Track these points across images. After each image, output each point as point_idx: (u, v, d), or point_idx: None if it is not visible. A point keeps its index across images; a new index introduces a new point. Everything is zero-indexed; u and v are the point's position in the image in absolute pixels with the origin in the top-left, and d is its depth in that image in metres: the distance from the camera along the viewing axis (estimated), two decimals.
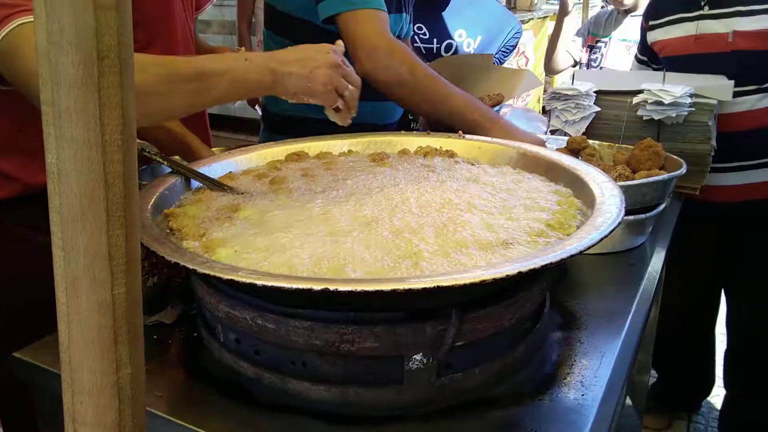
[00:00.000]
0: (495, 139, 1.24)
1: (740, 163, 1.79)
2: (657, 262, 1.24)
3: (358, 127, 1.48)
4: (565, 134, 1.60)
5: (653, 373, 2.32)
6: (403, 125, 1.85)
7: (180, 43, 1.69)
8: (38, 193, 1.18)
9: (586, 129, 1.62)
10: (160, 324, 0.92)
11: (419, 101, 1.40)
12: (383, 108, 1.65)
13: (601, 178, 0.98)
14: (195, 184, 1.05)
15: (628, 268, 1.20)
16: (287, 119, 1.67)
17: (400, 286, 0.65)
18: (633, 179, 1.31)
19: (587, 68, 2.74)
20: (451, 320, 0.73)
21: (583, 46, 2.77)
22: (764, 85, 1.71)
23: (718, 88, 1.54)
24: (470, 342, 0.76)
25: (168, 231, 0.88)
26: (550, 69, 2.82)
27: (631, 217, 1.21)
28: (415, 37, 2.32)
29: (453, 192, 0.97)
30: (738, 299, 2.03)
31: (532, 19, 5.58)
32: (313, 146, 1.25)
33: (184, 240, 0.84)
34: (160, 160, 1.05)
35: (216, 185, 1.03)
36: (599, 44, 2.66)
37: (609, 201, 0.88)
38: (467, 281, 0.67)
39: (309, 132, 1.48)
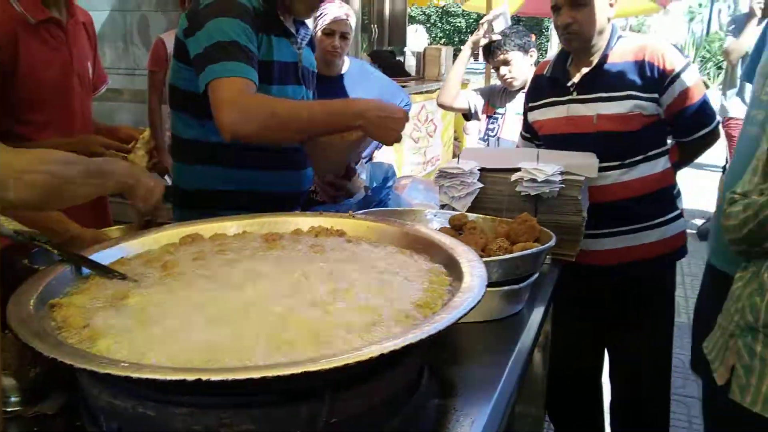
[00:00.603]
0: (381, 219, 1.33)
1: (611, 229, 1.97)
2: (532, 327, 1.35)
3: (269, 196, 1.57)
4: (453, 209, 1.73)
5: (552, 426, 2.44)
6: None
7: (78, 122, 1.73)
8: None
9: (473, 203, 1.75)
10: (43, 415, 0.92)
11: (291, 135, 1.53)
12: (293, 176, 1.74)
13: (471, 257, 1.08)
14: (86, 270, 1.07)
15: (505, 334, 1.30)
16: (197, 193, 1.72)
17: (270, 374, 0.71)
18: (512, 251, 1.43)
19: (486, 136, 2.95)
20: (324, 400, 0.79)
21: (483, 112, 2.98)
22: (625, 161, 1.92)
23: (585, 165, 1.72)
24: (345, 418, 0.82)
25: (53, 322, 0.89)
26: (439, 100, 3.00)
27: (506, 288, 1.32)
28: None
29: (335, 274, 1.04)
30: (618, 358, 2.20)
31: (440, 88, 5.93)
32: (207, 228, 1.30)
33: (67, 331, 0.86)
34: (50, 248, 1.07)
35: (106, 272, 1.06)
36: (496, 115, 2.88)
37: (474, 281, 0.98)
38: (332, 365, 0.73)
39: (220, 204, 1.56)
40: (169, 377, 0.70)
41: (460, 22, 22.65)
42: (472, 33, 2.92)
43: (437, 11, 17.93)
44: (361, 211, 1.43)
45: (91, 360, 0.74)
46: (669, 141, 2.03)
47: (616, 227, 1.97)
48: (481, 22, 2.74)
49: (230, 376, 0.70)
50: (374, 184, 2.18)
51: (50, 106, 1.57)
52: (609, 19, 1.91)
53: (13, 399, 0.92)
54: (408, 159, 5.52)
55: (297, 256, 1.15)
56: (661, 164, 1.97)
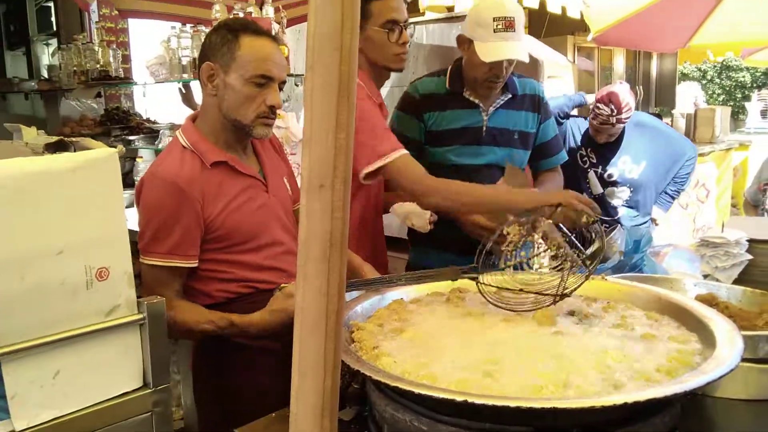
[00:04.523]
0: (632, 284, 1.38)
1: None
2: None
3: None
4: (717, 280, 1.67)
5: None
6: None
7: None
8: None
9: (740, 275, 1.67)
10: (340, 420, 1.17)
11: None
12: None
13: (727, 326, 1.09)
14: (375, 305, 1.32)
15: None
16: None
17: (523, 404, 0.84)
18: None
19: (764, 212, 2.76)
20: None
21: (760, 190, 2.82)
22: None
23: None
24: None
25: (351, 341, 1.15)
26: None
27: None
28: (586, 159, 2.62)
29: (586, 336, 1.13)
30: None
31: (713, 151, 5.48)
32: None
33: (361, 350, 1.10)
34: None
35: None
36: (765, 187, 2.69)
37: (727, 351, 0.99)
38: (577, 406, 0.84)
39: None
40: (443, 396, 0.87)
41: (743, 77, 20.40)
42: (759, 88, 2.83)
43: (714, 67, 16.49)
44: (614, 275, 1.48)
45: (383, 375, 0.95)
46: None
47: None
48: None
49: (489, 402, 0.85)
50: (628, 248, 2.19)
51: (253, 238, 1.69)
52: None
53: None
54: (674, 226, 5.18)
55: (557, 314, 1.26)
56: None
